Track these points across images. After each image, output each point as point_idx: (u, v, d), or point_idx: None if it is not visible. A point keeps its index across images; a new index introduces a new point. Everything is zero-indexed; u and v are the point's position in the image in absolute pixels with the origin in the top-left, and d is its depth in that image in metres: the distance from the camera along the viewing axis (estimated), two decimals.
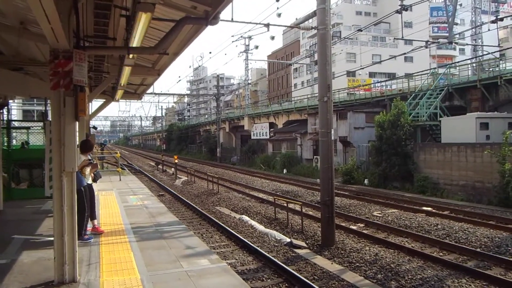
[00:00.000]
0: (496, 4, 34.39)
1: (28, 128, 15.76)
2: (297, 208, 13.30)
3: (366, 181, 22.73)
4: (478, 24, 31.45)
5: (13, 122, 16.65)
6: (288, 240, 10.56)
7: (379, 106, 27.41)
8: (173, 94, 57.40)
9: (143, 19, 5.33)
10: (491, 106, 21.26)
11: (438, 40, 34.86)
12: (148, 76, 13.03)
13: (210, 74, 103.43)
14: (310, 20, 12.83)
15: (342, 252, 9.67)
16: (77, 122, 5.62)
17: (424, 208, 14.91)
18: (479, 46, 31.34)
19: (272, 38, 72.34)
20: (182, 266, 6.39)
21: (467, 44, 29.91)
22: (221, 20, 6.35)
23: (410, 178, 20.57)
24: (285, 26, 23.03)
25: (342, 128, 27.23)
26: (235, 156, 46.82)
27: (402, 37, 20.41)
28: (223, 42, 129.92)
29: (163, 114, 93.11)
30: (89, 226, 8.19)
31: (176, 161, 29.61)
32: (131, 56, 7.53)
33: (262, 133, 42.57)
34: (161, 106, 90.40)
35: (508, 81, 19.93)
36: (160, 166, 35.92)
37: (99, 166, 14.24)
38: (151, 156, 58.43)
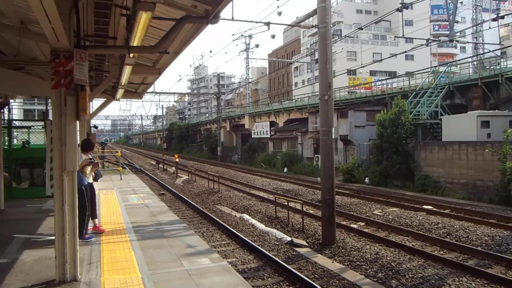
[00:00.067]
0: (497, 2, 34.28)
1: (29, 127, 15.79)
2: (298, 206, 13.32)
3: (366, 180, 22.72)
4: (479, 22, 31.36)
5: (14, 122, 16.69)
6: (289, 238, 10.57)
7: (380, 104, 27.40)
8: (174, 93, 57.24)
9: (143, 18, 5.33)
10: (492, 104, 21.23)
11: (439, 38, 34.87)
12: (148, 75, 13.04)
13: (211, 73, 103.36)
14: (311, 19, 12.83)
15: (342, 250, 9.68)
16: (78, 121, 5.63)
17: (425, 206, 14.91)
18: (480, 44, 31.26)
19: (273, 36, 72.63)
20: (183, 265, 6.40)
21: (468, 42, 29.78)
22: (222, 19, 6.37)
23: (411, 176, 20.56)
24: (286, 24, 23.09)
25: (343, 126, 27.22)
26: (235, 155, 46.83)
27: (403, 35, 20.40)
28: (223, 41, 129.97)
29: (164, 113, 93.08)
30: (90, 225, 8.21)
31: (177, 160, 29.61)
32: (131, 55, 7.53)
33: (263, 132, 42.58)
34: (162, 105, 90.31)
35: (509, 79, 19.89)
36: (160, 165, 35.95)
37: (100, 165, 14.25)
38: (151, 155, 58.44)
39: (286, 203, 13.35)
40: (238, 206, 15.78)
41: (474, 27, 31.10)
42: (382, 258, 8.87)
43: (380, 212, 14.23)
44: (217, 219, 12.82)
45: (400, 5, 17.75)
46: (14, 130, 15.56)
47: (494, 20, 21.03)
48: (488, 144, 16.90)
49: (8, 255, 6.79)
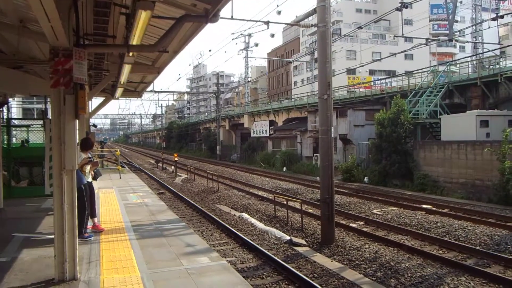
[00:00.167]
0: (496, 1, 34.32)
1: (28, 126, 15.77)
2: (297, 206, 13.31)
3: (366, 179, 22.74)
4: (479, 21, 31.37)
5: (13, 120, 16.65)
6: (288, 238, 10.57)
7: (379, 103, 27.41)
8: (173, 92, 57.12)
9: (143, 17, 5.33)
10: (491, 103, 21.24)
11: (438, 37, 34.84)
12: (148, 74, 13.03)
13: (210, 72, 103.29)
14: (310, 18, 12.81)
15: (342, 250, 9.68)
16: (77, 120, 5.62)
17: (424, 206, 14.92)
18: (480, 44, 31.27)
19: (272, 35, 72.71)
20: (182, 264, 6.41)
21: (467, 42, 29.80)
22: (221, 17, 6.35)
23: (410, 176, 20.57)
24: (285, 23, 23.11)
25: (342, 125, 27.23)
26: (235, 154, 46.84)
27: (402, 34, 20.38)
28: (223, 40, 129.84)
29: (163, 112, 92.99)
30: (89, 224, 8.21)
31: (176, 159, 29.62)
32: (131, 54, 7.52)
33: (262, 131, 42.58)
34: (161, 104, 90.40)
35: (509, 78, 19.91)
36: (160, 164, 35.95)
37: (99, 164, 14.24)
38: (151, 154, 58.42)
39: (285, 202, 13.36)
40: (237, 205, 15.79)
41: (474, 27, 31.11)
42: (381, 257, 8.88)
43: (379, 211, 14.24)
44: (216, 218, 12.82)
45: (400, 4, 17.76)
46: (13, 129, 15.54)
47: (493, 19, 21.04)
48: (487, 144, 16.91)
49: (7, 254, 6.79)
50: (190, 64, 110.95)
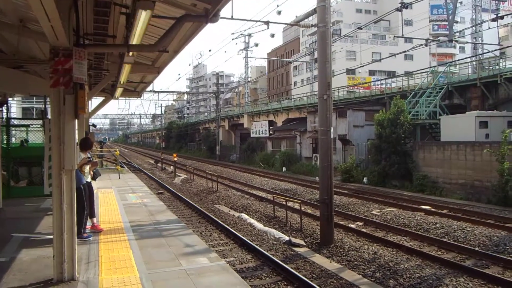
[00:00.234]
0: (496, 2, 34.31)
1: (27, 126, 15.75)
2: (296, 206, 13.32)
3: (365, 180, 22.74)
4: (479, 22, 31.39)
5: (13, 120, 16.63)
6: (287, 238, 10.57)
7: (378, 104, 27.42)
8: (173, 92, 57.15)
9: (143, 17, 5.33)
10: (491, 104, 21.26)
11: (438, 38, 34.91)
12: (147, 74, 13.03)
13: (210, 72, 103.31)
14: (310, 18, 12.82)
15: (340, 250, 9.69)
16: (76, 120, 5.61)
17: (423, 206, 14.92)
18: (479, 44, 31.28)
19: (272, 35, 72.77)
20: (181, 264, 6.40)
21: (467, 42, 29.84)
22: (221, 17, 6.35)
23: (409, 176, 20.58)
24: (285, 23, 23.12)
25: (342, 126, 27.23)
26: (234, 154, 46.83)
27: (402, 35, 20.41)
28: (223, 40, 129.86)
29: (163, 112, 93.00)
30: (88, 224, 8.19)
31: (175, 159, 29.61)
32: (131, 53, 7.52)
33: (262, 131, 42.58)
34: (161, 104, 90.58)
35: (508, 79, 19.93)
36: (159, 164, 35.94)
37: (98, 164, 14.24)
38: (150, 154, 58.42)
39: (284, 203, 13.36)
40: (236, 206, 15.79)
41: (474, 27, 31.12)
42: (380, 258, 8.88)
43: (378, 212, 14.24)
44: (216, 219, 12.82)
45: (400, 5, 17.77)
46: (13, 128, 15.53)
47: (493, 20, 21.07)
48: (487, 145, 16.93)
49: (6, 254, 6.78)
50: (190, 64, 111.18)
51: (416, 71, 26.33)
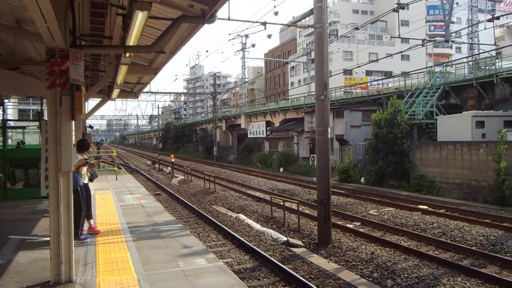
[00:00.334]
0: (492, 2, 34.46)
1: (23, 127, 15.68)
2: (294, 206, 13.33)
3: (362, 180, 22.77)
4: (475, 22, 31.51)
5: (9, 122, 16.57)
6: (285, 238, 10.57)
7: (375, 104, 27.46)
8: (170, 93, 57.10)
9: (139, 18, 5.32)
10: (487, 104, 21.34)
11: (435, 38, 35.01)
12: (144, 75, 13.01)
13: (207, 72, 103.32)
14: (307, 18, 12.85)
15: (338, 250, 9.69)
16: (73, 122, 5.59)
17: (420, 206, 14.96)
18: (476, 45, 31.38)
19: (269, 36, 72.12)
20: (179, 265, 6.39)
21: (463, 43, 29.94)
22: (218, 18, 6.36)
23: (406, 176, 20.62)
24: (282, 24, 23.14)
25: (339, 126, 27.26)
26: (231, 155, 46.82)
27: (399, 35, 20.53)
28: (220, 41, 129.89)
29: (160, 113, 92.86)
30: (86, 226, 8.17)
31: (173, 160, 29.58)
32: (127, 54, 7.51)
33: (259, 132, 42.58)
34: (158, 105, 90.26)
35: (504, 79, 20.01)
36: (156, 165, 35.88)
37: (95, 166, 14.20)
38: (147, 155, 58.34)
39: (282, 203, 13.36)
40: (234, 206, 15.77)
41: (470, 28, 31.26)
42: (377, 258, 8.89)
43: (375, 212, 14.27)
44: (213, 219, 12.80)
45: (396, 6, 17.80)
46: (9, 130, 15.45)
47: (489, 20, 21.08)
48: (483, 144, 16.98)
49: (2, 256, 6.75)
50: (187, 65, 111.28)
51: (413, 71, 26.44)
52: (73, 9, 5.30)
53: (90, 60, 10.08)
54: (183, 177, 26.58)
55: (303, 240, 10.75)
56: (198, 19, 6.09)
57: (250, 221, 12.79)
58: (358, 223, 12.81)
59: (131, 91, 17.03)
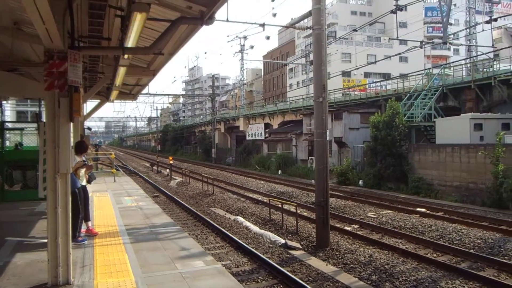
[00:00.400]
0: (490, 4, 34.59)
1: (22, 129, 15.64)
2: (292, 209, 13.31)
3: (361, 182, 22.77)
4: (473, 24, 31.66)
5: (7, 123, 16.53)
6: (283, 241, 10.55)
7: (374, 106, 27.47)
8: (168, 95, 57.22)
9: (138, 19, 5.32)
10: (485, 106, 21.37)
11: (433, 40, 35.04)
12: (143, 77, 13.00)
13: (206, 74, 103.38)
14: (306, 20, 12.88)
15: (336, 253, 9.68)
16: (71, 123, 5.59)
17: (418, 209, 14.96)
18: (473, 47, 31.53)
19: (268, 38, 72.42)
20: (176, 267, 6.38)
21: (461, 45, 30.14)
22: (216, 20, 6.36)
23: (405, 179, 20.63)
24: (281, 26, 23.20)
25: (337, 128, 27.27)
26: (230, 157, 46.78)
27: (397, 37, 20.50)
28: (218, 42, 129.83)
29: (158, 115, 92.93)
30: (83, 228, 8.15)
31: (171, 162, 29.54)
32: (126, 56, 7.51)
33: (257, 134, 42.57)
34: (156, 107, 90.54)
35: (502, 81, 20.05)
36: (155, 167, 35.84)
37: (93, 168, 14.17)
38: (146, 157, 58.27)
39: (280, 206, 13.35)
40: (232, 209, 15.75)
41: (468, 30, 31.36)
42: (375, 261, 8.88)
43: (374, 214, 14.26)
44: (211, 222, 12.79)
45: (395, 7, 17.86)
46: (7, 132, 15.41)
47: (487, 22, 21.18)
48: (481, 147, 17.00)
49: (0, 258, 6.72)
50: (185, 67, 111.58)
51: (411, 73, 26.47)
52: (72, 11, 5.29)
53: (89, 61, 10.07)
54: (181, 179, 26.55)
55: (302, 243, 10.73)
56: (197, 21, 6.10)
57: (248, 224, 12.77)
58: (356, 226, 12.80)
59: (129, 93, 17.02)
